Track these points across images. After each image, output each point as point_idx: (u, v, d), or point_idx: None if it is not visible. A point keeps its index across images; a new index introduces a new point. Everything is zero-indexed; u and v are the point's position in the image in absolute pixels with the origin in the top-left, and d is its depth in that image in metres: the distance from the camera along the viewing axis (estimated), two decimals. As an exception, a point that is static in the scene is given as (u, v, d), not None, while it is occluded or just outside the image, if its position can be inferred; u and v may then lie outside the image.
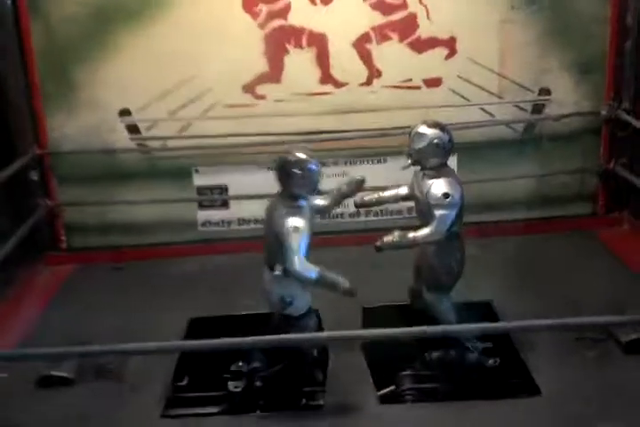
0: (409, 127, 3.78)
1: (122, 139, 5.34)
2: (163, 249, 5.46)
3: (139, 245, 5.46)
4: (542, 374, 3.83)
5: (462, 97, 5.40)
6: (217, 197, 5.51)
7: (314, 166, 3.45)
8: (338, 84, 5.28)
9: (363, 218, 5.59)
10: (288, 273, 3.43)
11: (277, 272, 3.48)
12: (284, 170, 3.46)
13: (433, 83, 5.37)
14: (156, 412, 3.73)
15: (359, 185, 3.75)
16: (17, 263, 5.02)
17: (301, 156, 3.46)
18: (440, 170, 3.58)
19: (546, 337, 4.04)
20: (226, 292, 4.80)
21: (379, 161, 5.52)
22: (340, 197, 3.79)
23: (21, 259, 5.09)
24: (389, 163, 5.46)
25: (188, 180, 5.43)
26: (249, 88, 5.24)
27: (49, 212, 5.39)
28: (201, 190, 5.49)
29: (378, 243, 3.59)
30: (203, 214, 5.58)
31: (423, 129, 3.56)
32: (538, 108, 5.49)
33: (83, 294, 4.99)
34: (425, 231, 3.54)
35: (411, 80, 5.34)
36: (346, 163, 5.51)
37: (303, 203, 3.48)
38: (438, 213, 3.48)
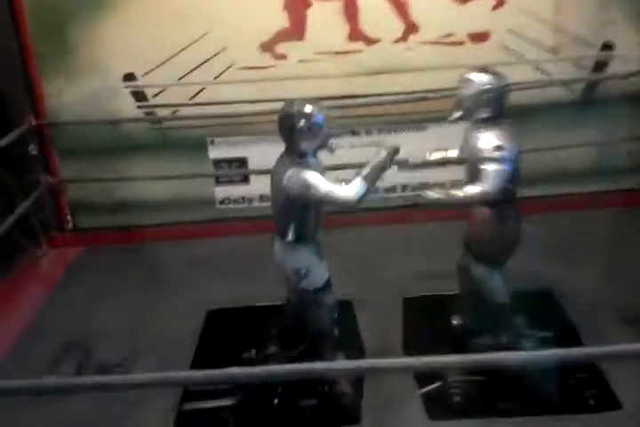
0: (451, 89, 3.39)
1: (128, 107, 4.88)
2: (177, 229, 5.06)
3: (151, 225, 5.04)
4: (623, 384, 3.28)
5: (513, 53, 4.81)
6: (236, 171, 5.08)
7: (321, 118, 3.04)
8: (369, 41, 4.79)
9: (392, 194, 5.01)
10: (301, 240, 3.12)
11: (290, 238, 3.11)
12: (288, 123, 3.04)
13: (479, 38, 4.81)
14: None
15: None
16: (18, 246, 4.70)
17: (307, 106, 3.04)
18: (493, 123, 3.20)
19: (624, 337, 3.47)
20: (247, 278, 4.37)
21: (417, 129, 4.99)
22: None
23: (23, 241, 4.76)
24: (429, 131, 4.97)
25: (202, 152, 5.00)
26: (268, 47, 4.78)
27: (51, 189, 4.99)
28: (218, 164, 5.06)
29: (418, 198, 3.24)
30: (221, 191, 5.14)
31: (472, 74, 3.22)
32: (600, 66, 4.87)
33: (90, 278, 4.65)
34: (474, 187, 3.14)
35: (453, 35, 4.81)
36: (380, 131, 5.02)
37: (312, 160, 3.10)
38: (489, 167, 3.11)
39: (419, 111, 4.82)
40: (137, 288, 4.39)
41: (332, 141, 3.14)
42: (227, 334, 3.91)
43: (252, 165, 5.05)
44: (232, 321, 4.04)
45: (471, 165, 3.24)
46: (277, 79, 4.77)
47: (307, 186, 2.96)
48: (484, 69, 3.24)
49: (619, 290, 4.01)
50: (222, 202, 5.15)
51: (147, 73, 4.78)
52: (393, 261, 4.46)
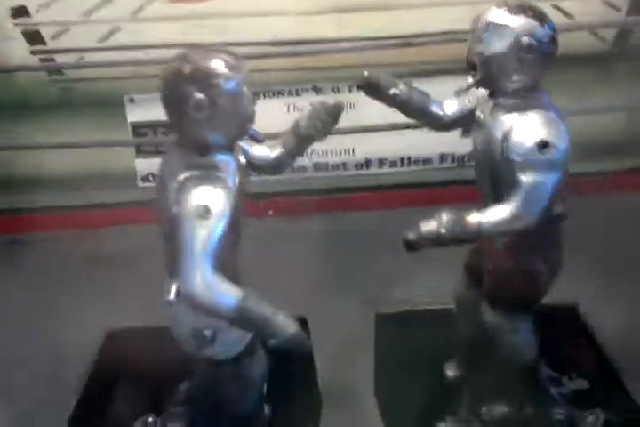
0: (447, 33, 2.99)
1: (19, 52, 3.75)
2: (85, 214, 3.98)
3: (45, 209, 3.91)
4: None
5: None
6: (163, 138, 3.92)
7: (235, 85, 1.78)
8: None
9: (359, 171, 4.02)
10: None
11: (170, 297, 1.86)
12: (176, 95, 1.78)
13: None
14: None
15: (333, 115, 2.10)
16: None
17: (211, 65, 1.78)
18: (530, 96, 2.02)
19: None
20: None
21: None
22: (300, 140, 2.10)
23: None
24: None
25: (118, 113, 3.89)
26: (204, -29, 3.66)
27: None
28: (138, 129, 3.95)
29: (410, 235, 1.97)
30: (143, 164, 4.03)
31: (502, 16, 1.97)
32: (637, 6, 3.79)
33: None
34: (502, 212, 1.97)
35: None
36: (350, 89, 3.86)
37: (221, 158, 1.87)
38: (530, 177, 1.93)
39: (403, 62, 3.67)
40: (14, 296, 3.32)
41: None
42: (129, 365, 2.80)
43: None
44: (139, 347, 2.93)
45: (493, 168, 2.07)
46: (215, 16, 3.65)
47: (183, 219, 1.74)
48: (520, 8, 1.98)
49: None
50: (146, 179, 4.04)
51: (43, 7, 3.65)
52: (362, 262, 3.42)
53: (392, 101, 2.24)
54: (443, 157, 4.03)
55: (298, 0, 3.67)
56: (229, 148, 1.90)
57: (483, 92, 2.14)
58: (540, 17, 1.98)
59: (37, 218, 3.87)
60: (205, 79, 1.75)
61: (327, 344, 2.85)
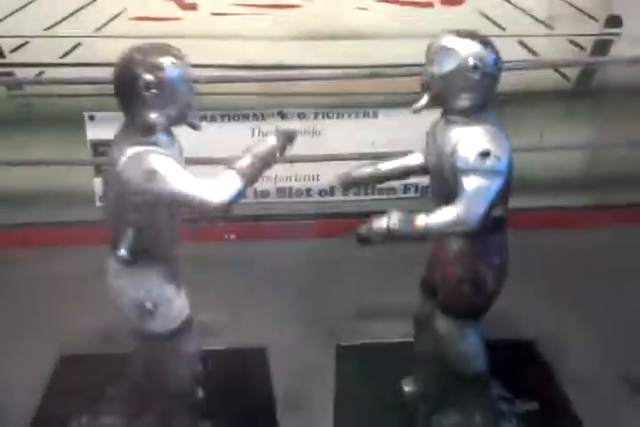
0: (411, 66, 2.85)
1: (-24, 65, 3.60)
2: (41, 233, 3.82)
3: (4, 227, 3.79)
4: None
5: (494, 23, 3.71)
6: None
7: (176, 73, 2.04)
8: None
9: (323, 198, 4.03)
10: (144, 258, 2.15)
11: (122, 252, 2.12)
12: (126, 79, 2.04)
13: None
14: None
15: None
16: None
17: (154, 55, 2.05)
18: (476, 114, 2.20)
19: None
20: None
21: (365, 115, 3.89)
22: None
23: None
24: (381, 118, 3.88)
25: (78, 131, 3.77)
26: (171, -8, 3.54)
27: None
28: (98, 147, 3.80)
29: (362, 230, 2.14)
30: (102, 184, 3.76)
31: (451, 41, 2.18)
32: (602, 46, 3.84)
33: None
34: (447, 215, 2.11)
35: None
36: (316, 116, 3.87)
37: (163, 138, 2.10)
38: (472, 183, 2.09)
39: (368, 92, 3.70)
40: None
41: (195, 113, 2.16)
42: (78, 388, 2.73)
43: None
44: (88, 370, 2.84)
45: (442, 177, 2.22)
46: (182, 37, 3.39)
47: (149, 176, 1.97)
48: (468, 34, 2.18)
49: (621, 341, 3.04)
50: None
51: (3, 18, 3.49)
52: (321, 291, 3.36)
53: (375, 183, 2.74)
54: (406, 187, 4.00)
55: (270, 24, 3.62)
56: (169, 130, 2.11)
57: (434, 120, 2.31)
58: (484, 42, 2.16)
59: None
60: (155, 64, 2.00)
61: (287, 374, 2.80)
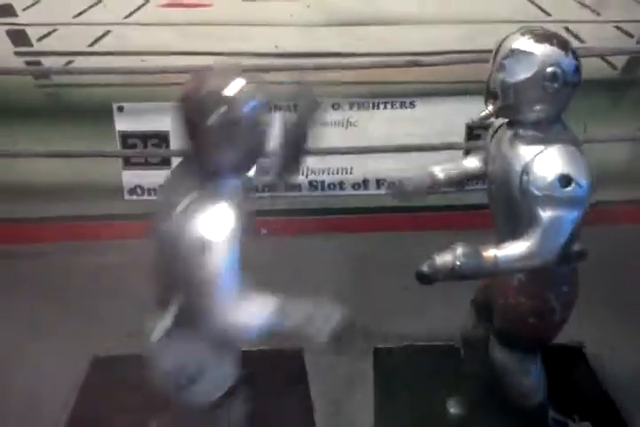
0: (453, 53, 2.90)
1: (3, 52, 3.53)
2: (68, 227, 3.75)
3: (25, 220, 3.70)
4: None
5: (539, 8, 3.56)
6: (152, 150, 3.77)
7: (252, 109, 1.71)
8: None
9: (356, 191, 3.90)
10: (186, 328, 1.83)
11: (153, 339, 1.84)
12: (191, 114, 1.72)
13: None
14: None
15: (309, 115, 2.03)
16: None
17: (229, 85, 1.70)
18: (550, 128, 1.95)
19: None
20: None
21: (402, 105, 3.73)
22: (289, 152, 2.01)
23: None
24: (418, 109, 3.72)
25: (106, 122, 3.69)
26: (201, -23, 3.47)
27: None
28: (127, 139, 3.75)
29: (425, 268, 1.90)
30: (130, 176, 3.85)
31: (526, 44, 1.89)
32: (652, 34, 3.69)
33: None
34: (520, 249, 1.87)
35: None
36: (351, 106, 3.73)
37: (229, 183, 1.80)
38: (549, 213, 1.85)
39: (407, 80, 3.57)
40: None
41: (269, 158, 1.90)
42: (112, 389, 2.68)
43: (175, 141, 3.64)
44: (122, 370, 2.77)
45: (510, 200, 1.97)
46: (212, 24, 3.46)
47: (202, 245, 1.66)
48: (544, 35, 1.91)
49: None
50: (132, 192, 3.85)
51: (30, 6, 3.43)
52: (354, 289, 3.22)
53: (434, 191, 2.35)
54: (443, 181, 3.87)
55: (302, 11, 3.50)
56: (238, 174, 1.83)
57: (497, 125, 2.10)
58: (564, 46, 1.90)
59: (17, 229, 3.67)
60: (224, 101, 1.69)
61: (325, 378, 2.71)
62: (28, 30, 3.48)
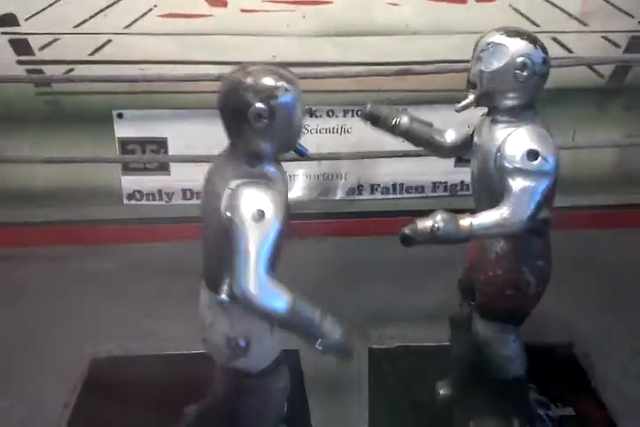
0: (444, 62, 2.97)
1: (5, 61, 3.58)
2: (67, 231, 3.77)
3: (26, 224, 3.73)
4: None
5: (527, 19, 3.65)
6: (151, 156, 3.86)
7: (293, 100, 1.85)
8: None
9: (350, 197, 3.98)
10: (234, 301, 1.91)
11: (223, 297, 1.91)
12: (237, 104, 1.85)
13: None
14: None
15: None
16: None
17: (269, 78, 1.84)
18: (523, 114, 2.17)
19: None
20: (158, 306, 3.18)
21: None
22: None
23: None
24: None
25: (106, 128, 3.77)
26: (202, -12, 3.52)
27: None
28: (126, 145, 3.82)
29: (406, 230, 2.07)
30: (129, 181, 3.93)
31: (499, 38, 2.13)
32: (637, 44, 3.77)
33: None
34: (493, 216, 2.07)
35: None
36: (346, 113, 3.82)
37: (270, 168, 1.94)
38: (518, 184, 2.06)
39: (399, 89, 3.64)
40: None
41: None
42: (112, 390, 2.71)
43: (173, 148, 3.82)
44: (122, 371, 2.84)
45: (486, 176, 2.18)
46: (212, 33, 3.54)
47: (241, 223, 1.80)
48: (516, 32, 2.13)
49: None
50: (131, 196, 3.92)
51: (33, 15, 3.49)
52: (350, 292, 3.29)
53: (394, 131, 2.40)
54: (435, 186, 3.97)
55: (298, 21, 3.59)
56: (277, 159, 1.96)
57: (480, 118, 2.26)
58: (533, 40, 2.11)
59: (17, 233, 3.71)
60: (266, 90, 1.81)
61: (320, 378, 2.77)
62: (30, 39, 3.53)
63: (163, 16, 3.51)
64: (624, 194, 3.96)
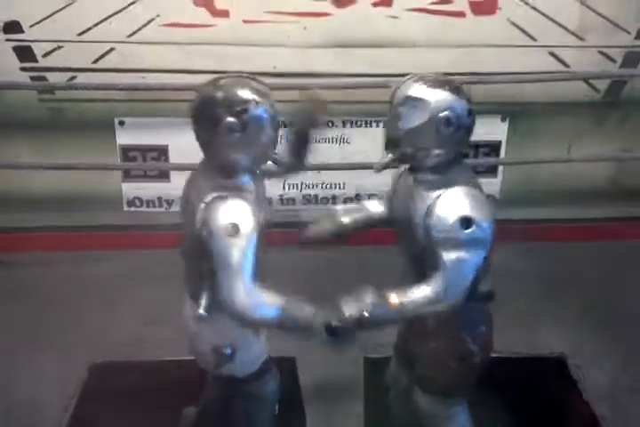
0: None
1: (8, 68, 3.61)
2: (68, 237, 3.80)
3: (26, 230, 3.74)
4: None
5: (524, 33, 3.71)
6: (152, 163, 3.90)
7: (264, 110, 1.84)
8: (340, 2, 3.60)
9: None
10: (218, 304, 1.91)
11: (201, 312, 1.93)
12: (209, 116, 1.84)
13: (484, 9, 3.67)
14: None
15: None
16: None
17: (241, 90, 1.84)
18: (448, 170, 1.92)
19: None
20: (157, 313, 3.17)
21: None
22: (296, 145, 2.09)
23: None
24: None
25: (108, 136, 3.79)
26: (204, -1, 3.52)
27: None
28: (128, 152, 3.85)
29: (333, 322, 1.85)
30: (130, 188, 3.96)
31: (419, 90, 1.86)
32: (632, 59, 3.82)
33: None
34: (423, 293, 1.85)
35: (450, 2, 3.64)
36: (345, 124, 3.87)
37: (246, 180, 1.93)
38: (451, 256, 1.83)
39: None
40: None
41: (279, 150, 1.95)
42: (110, 396, 2.73)
43: (173, 155, 3.83)
44: (120, 377, 2.85)
45: (413, 239, 1.92)
46: (213, 43, 3.57)
47: (216, 237, 1.80)
48: (436, 81, 1.87)
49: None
50: (132, 203, 3.94)
51: (37, 23, 3.53)
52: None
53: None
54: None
55: (299, 33, 3.63)
56: (253, 171, 1.95)
57: (397, 174, 2.07)
58: (457, 91, 1.86)
59: (18, 238, 3.72)
60: (238, 104, 1.80)
61: (317, 386, 2.79)
62: (34, 46, 3.57)
63: (165, 25, 3.55)
64: (620, 207, 3.99)
